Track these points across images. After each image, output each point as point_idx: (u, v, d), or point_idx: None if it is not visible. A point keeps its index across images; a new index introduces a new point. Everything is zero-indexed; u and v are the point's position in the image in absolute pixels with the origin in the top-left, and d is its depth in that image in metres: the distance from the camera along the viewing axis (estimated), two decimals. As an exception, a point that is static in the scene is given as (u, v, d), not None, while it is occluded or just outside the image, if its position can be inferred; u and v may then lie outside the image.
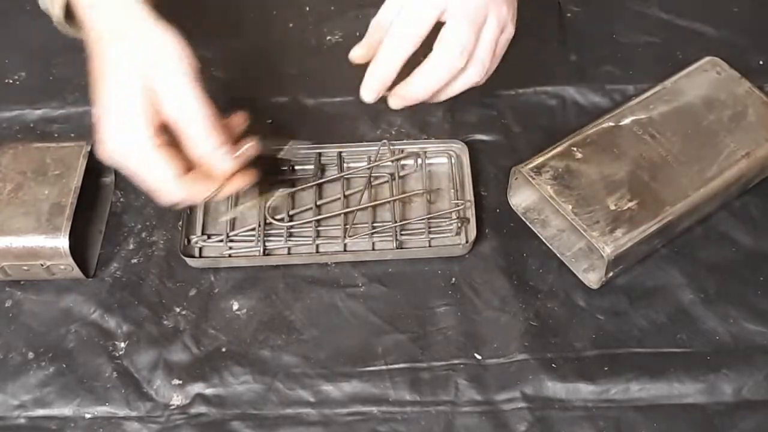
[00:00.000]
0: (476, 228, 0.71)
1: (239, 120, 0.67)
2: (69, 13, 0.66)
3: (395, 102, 0.67)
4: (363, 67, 0.84)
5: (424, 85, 0.65)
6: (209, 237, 0.73)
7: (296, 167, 0.77)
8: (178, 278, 0.72)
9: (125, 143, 0.61)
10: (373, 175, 0.75)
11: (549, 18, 0.87)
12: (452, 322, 0.69)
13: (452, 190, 0.75)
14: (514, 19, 0.66)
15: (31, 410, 0.66)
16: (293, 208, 0.74)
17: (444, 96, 0.67)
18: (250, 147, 0.65)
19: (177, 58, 0.61)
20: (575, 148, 0.71)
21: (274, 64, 0.85)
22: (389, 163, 0.76)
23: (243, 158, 0.65)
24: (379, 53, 0.64)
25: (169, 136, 0.62)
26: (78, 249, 0.69)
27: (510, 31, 0.66)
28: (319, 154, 0.77)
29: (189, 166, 0.63)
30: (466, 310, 0.69)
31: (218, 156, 0.62)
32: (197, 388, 0.66)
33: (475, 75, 0.65)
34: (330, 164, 0.77)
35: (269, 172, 0.73)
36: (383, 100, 0.82)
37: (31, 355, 0.68)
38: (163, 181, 0.61)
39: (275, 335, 0.69)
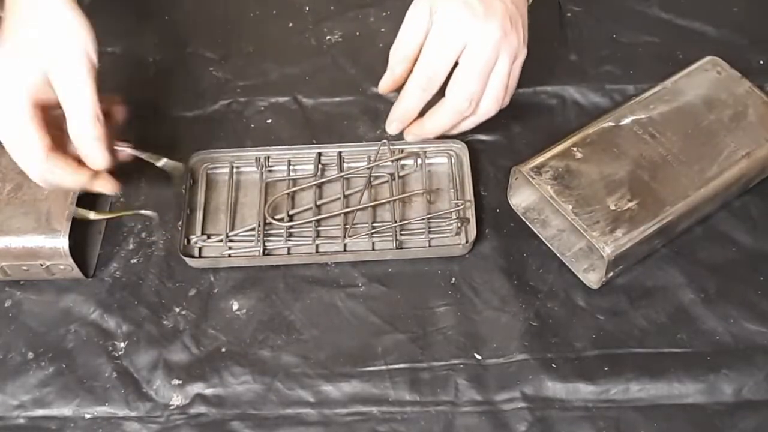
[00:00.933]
0: (476, 228, 0.71)
1: (119, 112, 0.69)
2: None
3: (411, 137, 0.74)
4: (363, 68, 0.84)
5: (435, 126, 0.71)
6: (209, 237, 0.73)
7: (296, 167, 0.77)
8: (178, 278, 0.72)
9: (3, 108, 0.62)
10: (373, 175, 0.75)
11: (549, 18, 0.87)
12: (452, 322, 0.69)
13: (452, 190, 0.75)
14: (525, 41, 0.69)
15: (30, 410, 0.66)
16: (293, 208, 0.74)
17: (460, 130, 0.73)
18: (125, 149, 0.68)
19: (79, 46, 0.62)
20: (575, 148, 0.71)
21: (274, 64, 0.85)
22: (389, 163, 0.76)
23: (117, 157, 0.66)
24: (404, 94, 0.70)
25: (51, 125, 0.64)
26: (78, 249, 0.69)
27: (523, 55, 0.69)
28: (319, 154, 0.77)
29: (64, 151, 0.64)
30: (466, 310, 0.69)
31: (95, 147, 0.63)
32: (197, 388, 0.66)
33: (488, 110, 0.70)
34: (330, 164, 0.77)
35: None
36: (382, 100, 0.82)
37: (30, 355, 0.68)
38: (32, 152, 0.63)
39: (275, 335, 0.69)
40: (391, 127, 0.72)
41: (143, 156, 0.70)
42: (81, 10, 0.64)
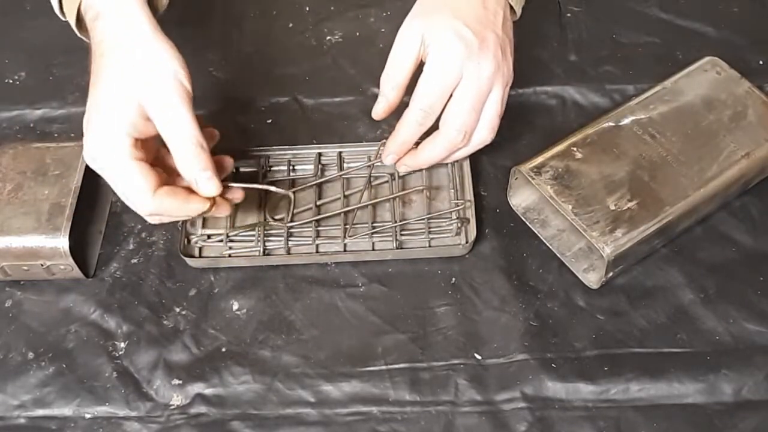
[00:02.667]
0: (476, 228, 0.71)
1: (212, 134, 0.68)
2: (81, 22, 0.66)
3: (403, 169, 0.73)
4: (363, 68, 0.84)
5: (429, 157, 0.70)
6: (209, 237, 0.73)
7: (296, 167, 0.77)
8: (178, 278, 0.72)
9: (104, 151, 0.61)
10: (372, 175, 0.75)
11: (549, 18, 0.87)
12: (452, 322, 0.69)
13: (452, 190, 0.75)
14: (511, 66, 0.68)
15: (31, 410, 0.66)
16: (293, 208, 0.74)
17: (453, 160, 0.72)
18: (228, 164, 0.68)
19: (171, 76, 0.61)
20: (575, 148, 0.71)
21: (274, 64, 0.85)
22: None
23: (225, 183, 0.65)
24: (400, 128, 0.69)
25: (153, 155, 0.63)
26: (78, 249, 0.69)
27: (511, 80, 0.69)
28: (319, 154, 0.77)
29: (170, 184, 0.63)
30: (466, 310, 0.69)
31: (203, 179, 0.62)
32: (197, 388, 0.66)
33: (483, 140, 0.69)
34: (330, 164, 0.77)
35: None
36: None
37: (31, 355, 0.68)
38: (138, 193, 0.61)
39: (275, 335, 0.69)
40: (388, 158, 0.71)
41: (253, 187, 0.70)
42: (169, 39, 0.63)
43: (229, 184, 0.66)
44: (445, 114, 0.67)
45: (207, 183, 0.62)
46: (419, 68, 0.67)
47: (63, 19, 0.68)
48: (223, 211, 0.66)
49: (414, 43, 0.66)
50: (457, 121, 0.67)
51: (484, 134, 0.69)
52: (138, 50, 0.61)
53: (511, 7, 0.70)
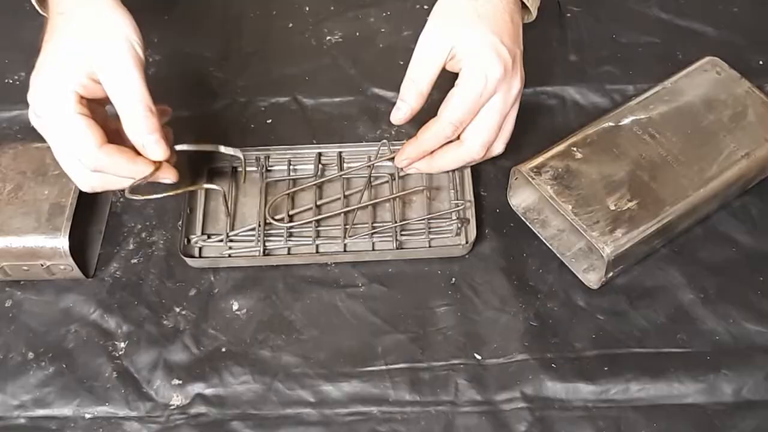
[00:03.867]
0: (476, 228, 0.71)
1: (164, 111, 0.67)
2: None
3: (411, 171, 0.73)
4: (363, 68, 0.84)
5: (445, 166, 0.71)
6: (209, 237, 0.73)
7: (296, 167, 0.77)
8: (178, 278, 0.72)
9: (49, 104, 0.61)
10: (373, 175, 0.75)
11: (549, 18, 0.87)
12: (452, 322, 0.69)
13: (452, 191, 0.75)
14: (523, 77, 0.68)
15: (31, 410, 0.66)
16: (293, 208, 0.74)
17: (449, 168, 0.72)
18: (183, 146, 0.67)
19: (124, 39, 0.61)
20: (575, 148, 0.71)
21: (274, 64, 0.85)
22: (389, 163, 0.76)
23: (174, 151, 0.65)
24: (425, 139, 0.68)
25: (101, 124, 0.63)
26: (78, 249, 0.69)
27: (518, 91, 0.68)
28: (319, 154, 0.77)
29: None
30: (466, 310, 0.69)
31: (150, 141, 0.62)
32: (197, 388, 0.66)
33: (498, 152, 0.70)
34: (330, 164, 0.77)
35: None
36: (382, 100, 0.82)
37: (31, 355, 0.68)
38: (83, 145, 0.61)
39: (275, 335, 0.69)
40: (403, 162, 0.71)
41: (202, 148, 0.70)
42: (124, 6, 0.63)
43: (176, 147, 0.66)
44: (471, 129, 0.67)
45: (154, 146, 0.62)
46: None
47: None
48: (168, 176, 0.65)
49: (442, 51, 0.65)
50: (482, 137, 0.67)
51: (499, 147, 0.69)
52: (95, 13, 0.62)
53: (523, 4, 0.69)
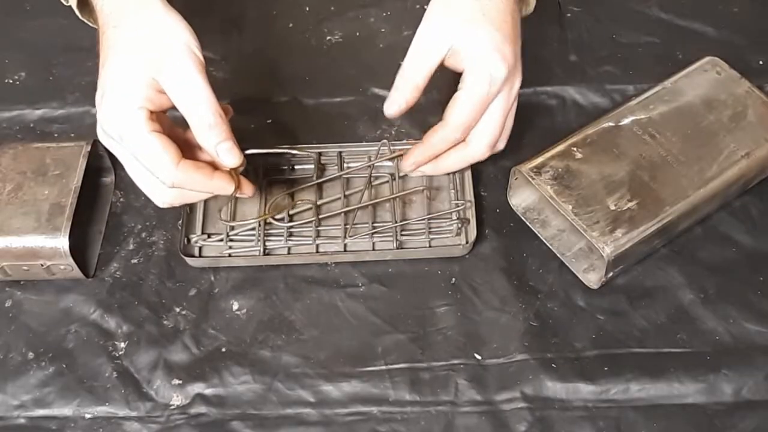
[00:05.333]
0: (476, 228, 0.71)
1: (226, 110, 0.65)
2: (83, 2, 0.66)
3: (416, 173, 0.72)
4: (363, 68, 0.84)
5: (450, 167, 0.70)
6: (209, 237, 0.73)
7: (296, 167, 0.77)
8: (178, 278, 0.72)
9: (120, 125, 0.59)
10: (373, 175, 0.75)
11: (549, 18, 0.87)
12: (452, 322, 0.69)
13: (452, 191, 0.75)
14: (521, 72, 0.67)
15: (31, 410, 0.66)
16: (293, 208, 0.74)
17: (454, 169, 0.72)
18: (256, 150, 0.67)
19: (185, 47, 0.60)
20: (575, 148, 0.71)
21: (274, 64, 0.85)
22: (389, 163, 0.76)
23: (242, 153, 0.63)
24: (431, 143, 0.68)
25: (167, 133, 0.61)
26: (78, 249, 0.69)
27: (519, 87, 0.67)
28: (319, 154, 0.77)
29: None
30: (466, 310, 0.69)
31: (224, 149, 0.61)
32: (197, 388, 0.66)
33: (500, 149, 0.69)
34: (330, 164, 0.77)
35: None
36: (382, 100, 0.82)
37: (31, 355, 0.68)
38: (160, 164, 0.60)
39: (275, 335, 0.69)
40: (410, 167, 0.70)
41: (272, 151, 0.70)
42: (175, 9, 0.62)
43: (247, 152, 0.65)
44: (477, 130, 0.67)
45: (228, 153, 0.61)
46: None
47: (65, 3, 0.67)
48: (247, 191, 0.65)
49: (441, 47, 0.64)
50: (488, 138, 0.67)
51: (502, 144, 0.69)
52: (149, 21, 0.60)
53: None
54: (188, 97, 0.60)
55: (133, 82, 0.59)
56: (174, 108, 0.61)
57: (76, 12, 0.67)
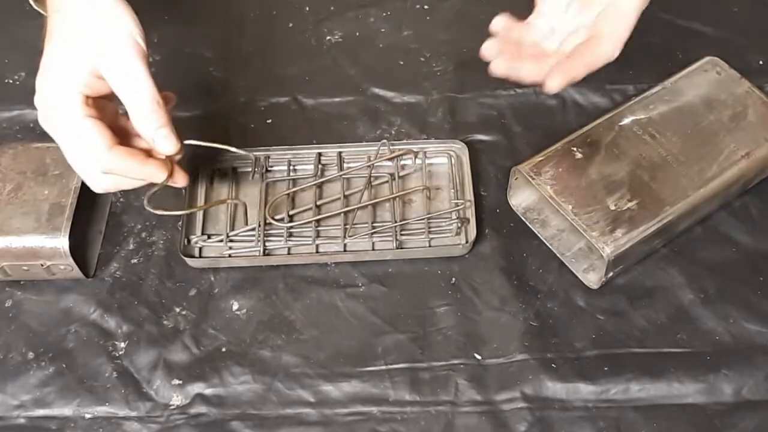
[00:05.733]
0: (476, 228, 0.71)
1: (169, 98, 0.66)
2: None
3: (557, 83, 0.66)
4: (363, 68, 0.84)
5: (586, 70, 0.66)
6: (209, 237, 0.73)
7: (296, 167, 0.77)
8: (178, 278, 0.72)
9: (56, 108, 0.60)
10: (373, 175, 0.75)
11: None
12: (452, 322, 0.69)
13: (452, 190, 0.75)
14: None
15: (31, 410, 0.66)
16: (293, 208, 0.74)
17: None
18: (193, 142, 0.67)
19: (126, 33, 0.60)
20: (575, 148, 0.71)
21: (274, 64, 0.85)
22: (389, 163, 0.76)
23: (180, 142, 0.64)
24: (576, 69, 0.65)
25: (110, 122, 0.62)
26: (78, 249, 0.69)
27: None
28: (319, 154, 0.77)
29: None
30: (466, 310, 0.69)
31: (161, 135, 0.62)
32: (197, 388, 0.66)
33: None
34: (330, 164, 0.77)
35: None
36: (382, 100, 0.82)
37: (31, 355, 0.68)
38: (93, 148, 0.61)
39: (275, 335, 0.69)
40: (555, 82, 0.64)
41: (212, 145, 0.69)
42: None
43: (186, 142, 0.65)
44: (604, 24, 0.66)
45: (164, 140, 0.62)
46: None
47: None
48: (180, 181, 0.65)
49: None
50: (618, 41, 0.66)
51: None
52: (93, 7, 0.61)
53: None
54: (127, 84, 0.60)
55: (72, 66, 0.60)
56: (113, 95, 0.61)
57: (33, 5, 0.67)
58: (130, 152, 0.62)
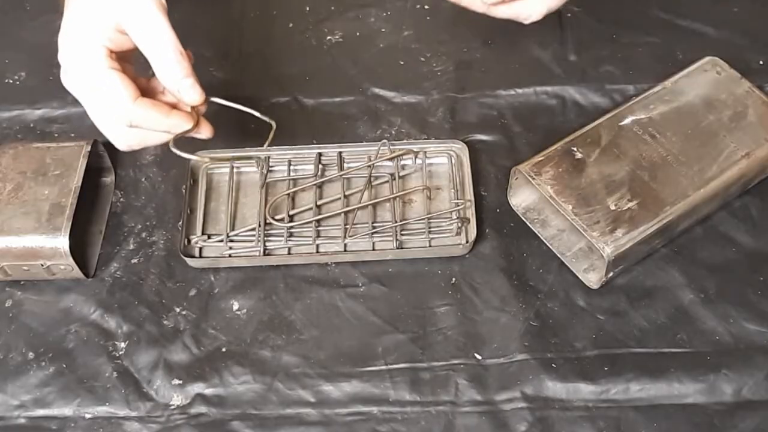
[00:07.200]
0: (476, 228, 0.71)
1: (189, 56, 0.66)
2: None
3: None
4: (363, 68, 0.84)
5: (500, 13, 0.71)
6: (209, 237, 0.73)
7: (296, 167, 0.77)
8: (178, 278, 0.72)
9: (80, 62, 0.61)
10: (373, 175, 0.75)
11: (549, 18, 0.87)
12: (452, 322, 0.69)
13: (452, 190, 0.75)
14: None
15: (31, 410, 0.66)
16: (293, 208, 0.74)
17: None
18: (218, 100, 0.67)
19: None
20: (575, 148, 0.71)
21: (274, 64, 0.85)
22: (389, 163, 0.76)
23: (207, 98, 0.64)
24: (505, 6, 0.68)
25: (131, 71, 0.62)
26: (78, 249, 0.69)
27: None
28: (319, 154, 0.77)
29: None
30: (466, 310, 0.69)
31: (187, 84, 0.62)
32: (197, 388, 0.66)
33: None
34: (330, 164, 0.77)
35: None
36: (382, 100, 0.82)
37: (31, 355, 0.68)
38: (117, 104, 0.61)
39: (275, 335, 0.69)
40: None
41: (235, 106, 0.69)
42: None
43: (212, 99, 0.65)
44: None
45: (190, 90, 0.62)
46: None
47: None
48: (205, 132, 0.65)
49: None
50: None
51: None
52: None
53: None
54: (151, 37, 0.61)
55: (95, 21, 0.61)
56: (135, 50, 0.62)
57: None
58: (155, 103, 0.62)
